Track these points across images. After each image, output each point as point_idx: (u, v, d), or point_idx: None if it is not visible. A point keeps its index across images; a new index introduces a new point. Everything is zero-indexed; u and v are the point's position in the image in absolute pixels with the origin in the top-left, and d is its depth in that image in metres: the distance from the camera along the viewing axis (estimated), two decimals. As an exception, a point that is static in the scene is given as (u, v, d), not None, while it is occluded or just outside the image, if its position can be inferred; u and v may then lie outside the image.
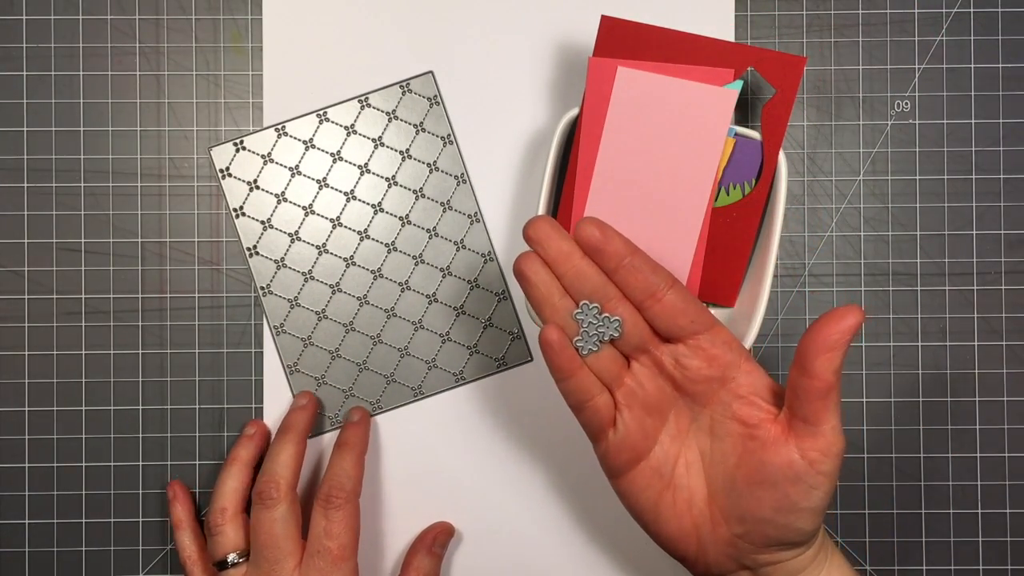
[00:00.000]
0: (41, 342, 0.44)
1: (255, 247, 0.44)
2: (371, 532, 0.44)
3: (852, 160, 0.44)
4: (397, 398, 0.44)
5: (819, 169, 0.44)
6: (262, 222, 0.44)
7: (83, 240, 0.44)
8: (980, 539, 0.44)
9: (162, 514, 0.44)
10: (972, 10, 0.44)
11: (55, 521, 0.44)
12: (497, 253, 0.44)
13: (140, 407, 0.44)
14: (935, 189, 0.44)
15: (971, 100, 0.44)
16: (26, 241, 0.44)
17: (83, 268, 0.44)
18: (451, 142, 0.44)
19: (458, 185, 0.44)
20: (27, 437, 0.44)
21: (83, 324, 0.44)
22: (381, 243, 0.44)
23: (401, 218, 0.44)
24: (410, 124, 0.44)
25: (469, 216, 0.44)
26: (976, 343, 0.44)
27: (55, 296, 0.44)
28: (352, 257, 0.44)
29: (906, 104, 0.44)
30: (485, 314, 0.44)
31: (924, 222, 0.44)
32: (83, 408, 0.44)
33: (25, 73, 0.44)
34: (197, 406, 0.44)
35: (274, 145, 0.44)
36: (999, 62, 0.44)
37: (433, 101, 0.44)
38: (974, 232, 0.44)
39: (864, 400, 0.44)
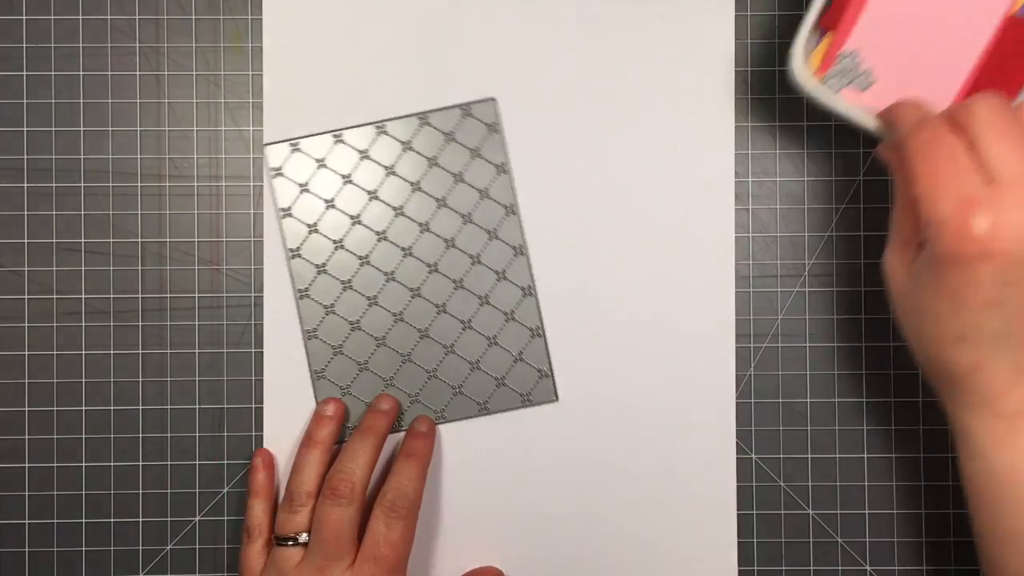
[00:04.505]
0: (41, 342, 0.44)
1: (298, 249, 0.44)
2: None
3: (852, 160, 0.44)
4: None
5: (819, 169, 0.44)
6: (308, 225, 0.44)
7: (83, 240, 0.44)
8: (980, 539, 0.44)
9: (162, 514, 0.44)
10: (972, 10, 0.44)
11: (55, 521, 0.44)
12: (537, 288, 0.44)
13: (140, 407, 0.44)
14: (935, 189, 0.44)
15: (971, 100, 0.44)
16: (26, 241, 0.44)
17: (83, 268, 0.44)
18: (505, 171, 0.44)
19: (506, 216, 0.44)
20: (27, 437, 0.44)
21: (83, 324, 0.44)
22: (423, 263, 0.44)
23: (447, 240, 0.44)
24: (466, 148, 0.44)
25: (514, 248, 0.44)
26: (976, 343, 0.44)
27: (55, 296, 0.44)
28: (393, 272, 0.44)
29: (906, 104, 0.44)
30: (517, 348, 0.44)
31: (924, 222, 0.44)
32: (83, 408, 0.44)
33: (25, 73, 0.44)
34: (197, 406, 0.44)
35: (329, 151, 0.44)
36: (999, 62, 0.44)
37: (492, 128, 0.44)
38: (974, 232, 0.44)
39: (864, 400, 0.44)
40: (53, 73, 0.44)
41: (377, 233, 0.44)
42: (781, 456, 0.44)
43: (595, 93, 0.44)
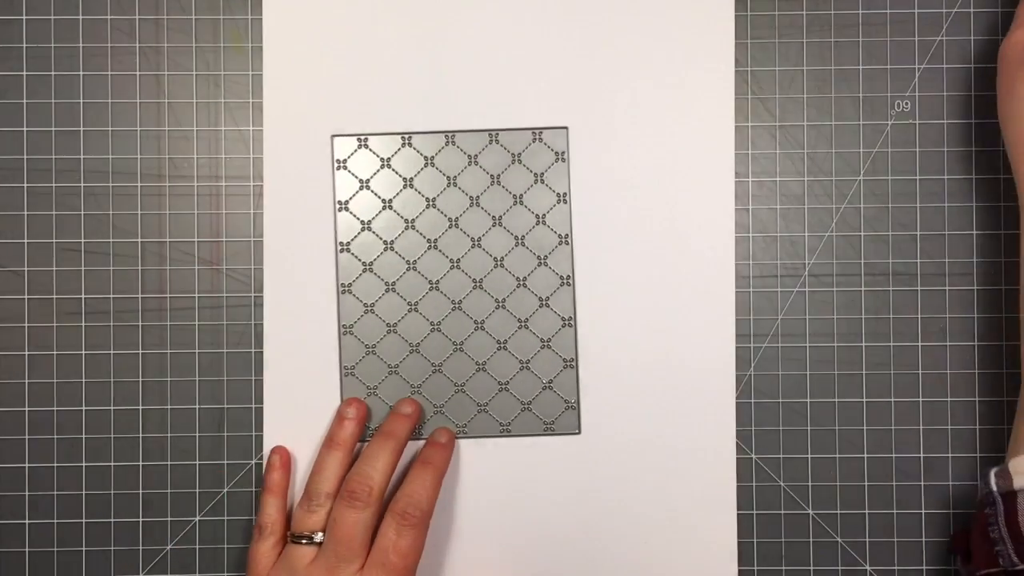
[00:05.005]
0: (41, 342, 0.44)
1: (348, 244, 0.44)
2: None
3: (852, 160, 0.44)
4: None
5: (819, 169, 0.44)
6: (362, 222, 0.44)
7: (83, 240, 0.44)
8: (980, 539, 0.44)
9: (162, 514, 0.44)
10: (972, 10, 0.44)
11: (55, 521, 0.44)
12: (578, 320, 0.44)
13: (140, 407, 0.44)
14: (935, 189, 0.44)
15: (971, 100, 0.44)
16: (26, 241, 0.44)
17: (83, 268, 0.44)
18: (565, 201, 0.44)
19: (559, 245, 0.44)
20: (27, 437, 0.44)
21: (83, 324, 0.44)
22: (469, 277, 0.44)
23: (496, 259, 0.44)
24: (531, 172, 0.44)
25: (561, 278, 0.44)
26: (976, 343, 0.44)
27: (55, 296, 0.44)
28: (438, 282, 0.44)
29: (906, 104, 0.44)
30: (548, 376, 0.44)
31: (924, 222, 0.44)
32: (83, 408, 0.44)
33: (25, 73, 0.44)
34: (197, 406, 0.44)
35: (396, 152, 0.44)
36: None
37: (560, 157, 0.44)
38: (974, 232, 0.44)
39: (864, 400, 0.44)
40: (53, 73, 0.44)
41: (428, 240, 0.44)
42: (781, 456, 0.44)
43: (595, 93, 0.44)
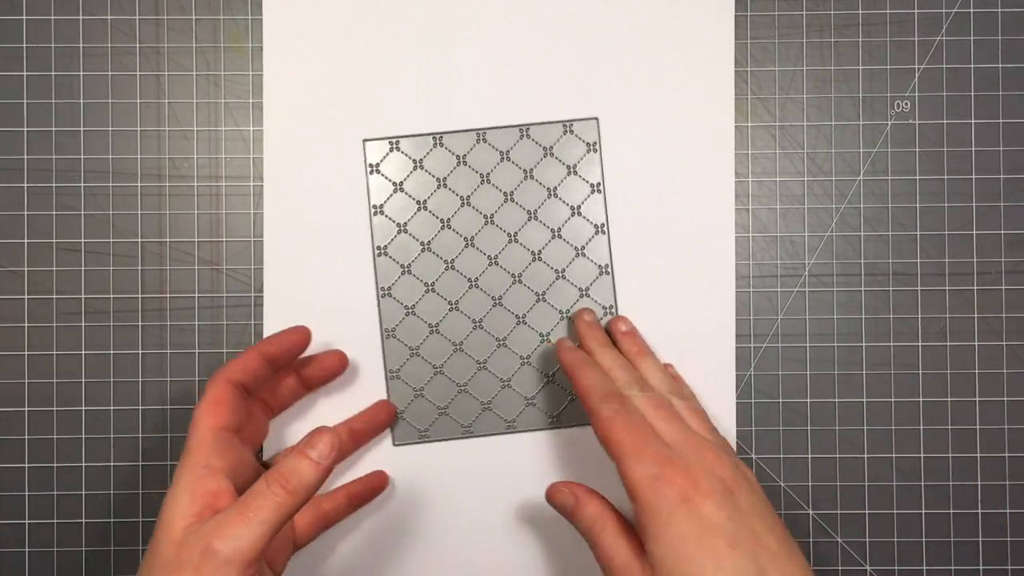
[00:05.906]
0: (41, 342, 0.44)
1: (385, 247, 0.44)
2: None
3: (852, 160, 0.44)
4: (488, 427, 0.44)
5: (819, 169, 0.44)
6: (398, 224, 0.44)
7: (83, 240, 0.44)
8: (980, 539, 0.44)
9: (162, 514, 0.44)
10: (972, 10, 0.44)
11: (55, 521, 0.44)
12: (619, 309, 0.44)
13: (140, 407, 0.44)
14: (935, 189, 0.44)
15: (971, 100, 0.44)
16: (26, 241, 0.44)
17: (83, 268, 0.44)
18: (599, 191, 0.44)
19: (596, 234, 0.44)
20: (27, 437, 0.44)
21: (83, 324, 0.44)
22: (508, 272, 0.44)
23: (533, 253, 0.44)
24: (564, 164, 0.44)
25: (600, 267, 0.44)
26: (976, 343, 0.44)
27: (55, 296, 0.44)
28: (477, 280, 0.44)
29: (906, 104, 0.44)
30: None
31: (924, 222, 0.44)
32: (83, 408, 0.44)
33: (25, 73, 0.44)
34: (197, 406, 0.44)
35: (428, 153, 0.44)
36: (999, 62, 0.44)
37: (592, 147, 0.44)
38: (974, 232, 0.44)
39: (864, 400, 0.44)
40: (53, 73, 0.44)
41: (465, 239, 0.44)
42: (781, 456, 0.44)
43: (595, 94, 0.44)
